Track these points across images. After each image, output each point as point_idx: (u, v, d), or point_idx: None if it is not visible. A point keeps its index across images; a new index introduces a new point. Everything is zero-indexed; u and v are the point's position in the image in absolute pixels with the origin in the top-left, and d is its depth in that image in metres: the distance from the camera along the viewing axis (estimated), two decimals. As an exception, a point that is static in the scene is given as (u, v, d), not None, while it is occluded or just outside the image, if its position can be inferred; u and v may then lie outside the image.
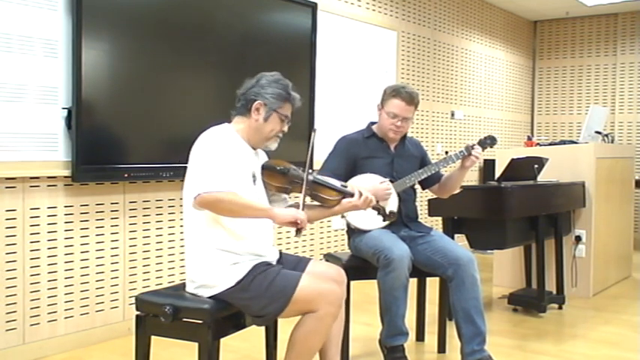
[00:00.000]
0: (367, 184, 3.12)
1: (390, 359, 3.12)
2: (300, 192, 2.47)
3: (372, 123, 3.34)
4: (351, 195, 2.57)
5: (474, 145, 3.19)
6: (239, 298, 2.37)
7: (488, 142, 3.26)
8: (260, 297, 2.35)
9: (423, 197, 4.90)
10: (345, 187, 2.62)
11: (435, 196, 3.57)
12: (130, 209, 3.75)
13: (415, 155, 3.36)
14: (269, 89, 2.50)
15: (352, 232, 3.24)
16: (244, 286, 2.36)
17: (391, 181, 3.19)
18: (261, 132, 2.52)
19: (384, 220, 2.74)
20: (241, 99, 2.53)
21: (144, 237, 3.83)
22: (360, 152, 3.22)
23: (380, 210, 2.69)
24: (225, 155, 2.38)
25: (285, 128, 2.57)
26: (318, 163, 3.34)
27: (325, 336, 2.44)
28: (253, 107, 2.49)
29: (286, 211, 2.40)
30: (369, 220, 2.94)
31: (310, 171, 2.52)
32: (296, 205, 2.50)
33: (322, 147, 4.65)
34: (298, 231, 2.39)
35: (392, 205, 3.16)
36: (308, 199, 2.54)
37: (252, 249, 2.44)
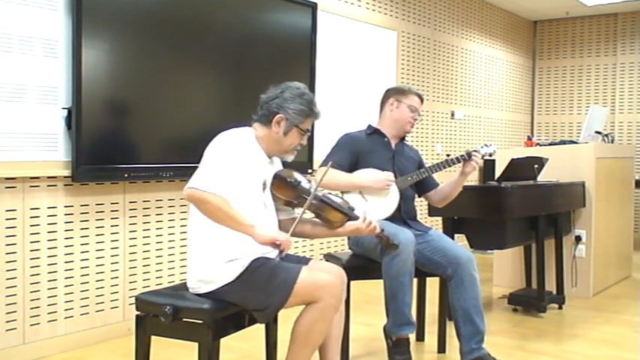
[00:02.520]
0: (369, 175, 3.17)
1: (394, 353, 3.06)
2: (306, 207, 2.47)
3: (370, 126, 3.41)
4: (356, 219, 2.57)
5: (476, 150, 3.21)
6: (239, 292, 2.37)
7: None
8: (261, 291, 2.35)
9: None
10: (353, 209, 2.60)
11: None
12: (130, 209, 3.75)
13: (414, 157, 3.42)
14: (292, 104, 2.49)
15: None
16: (244, 280, 2.37)
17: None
18: (280, 144, 2.53)
19: (385, 250, 2.77)
20: (264, 107, 2.53)
21: (144, 237, 3.83)
22: (363, 147, 3.27)
23: (382, 239, 2.66)
24: (236, 159, 2.38)
25: (305, 141, 2.58)
26: (318, 163, 3.35)
27: (327, 327, 2.43)
28: (274, 120, 2.49)
29: (267, 232, 2.34)
30: (371, 213, 2.93)
31: (320, 189, 2.52)
32: (292, 220, 2.51)
33: (322, 147, 4.65)
34: (280, 252, 2.36)
35: (392, 196, 3.17)
36: (312, 215, 2.55)
37: (252, 248, 2.43)
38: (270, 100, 2.51)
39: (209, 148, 2.41)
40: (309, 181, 2.56)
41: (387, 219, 3.13)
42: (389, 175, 3.17)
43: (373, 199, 3.16)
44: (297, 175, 2.55)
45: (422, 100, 3.37)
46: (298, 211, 2.62)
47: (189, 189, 2.29)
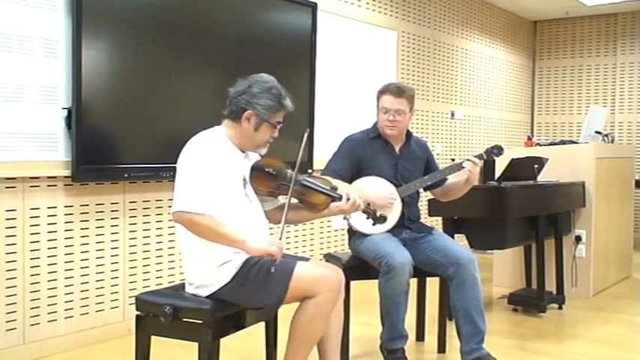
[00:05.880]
0: (372, 188, 3.12)
1: (391, 359, 3.14)
2: (288, 195, 2.43)
3: None
4: (340, 199, 2.55)
5: (481, 154, 3.16)
6: (237, 293, 2.38)
7: (495, 151, 3.22)
8: (258, 289, 2.36)
9: (422, 197, 4.89)
10: (335, 189, 2.59)
11: (434, 197, 3.57)
12: (130, 209, 3.75)
13: (420, 157, 3.34)
14: (261, 100, 2.45)
15: (353, 232, 3.23)
16: (240, 280, 2.37)
17: (395, 185, 3.17)
18: (252, 140, 2.51)
19: (373, 224, 2.71)
20: (232, 103, 2.49)
21: (144, 237, 3.83)
22: (365, 153, 3.20)
23: (369, 214, 2.65)
24: (211, 167, 2.35)
25: (276, 134, 2.55)
26: (318, 163, 3.33)
27: (325, 322, 2.43)
28: (244, 116, 2.46)
29: (259, 245, 2.31)
30: (372, 224, 2.93)
31: (307, 171, 2.49)
32: (283, 206, 2.47)
33: (322, 147, 4.66)
34: (274, 261, 2.32)
35: (395, 211, 3.14)
36: (295, 201, 2.53)
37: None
38: (238, 96, 2.47)
39: (182, 160, 2.39)
40: (288, 167, 2.52)
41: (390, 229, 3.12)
42: (393, 194, 3.12)
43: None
44: (276, 164, 2.52)
45: (397, 94, 3.12)
46: (281, 198, 2.61)
47: (177, 213, 2.30)
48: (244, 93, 2.47)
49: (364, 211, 2.65)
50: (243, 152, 2.55)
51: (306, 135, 2.51)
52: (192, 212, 2.27)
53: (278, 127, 2.53)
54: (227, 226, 2.32)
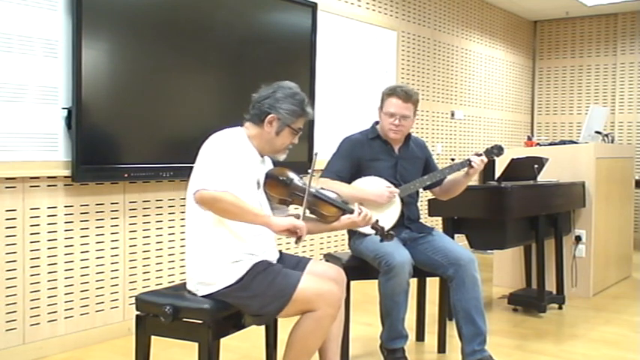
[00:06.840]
0: (372, 186, 3.13)
1: (391, 359, 3.14)
2: (300, 204, 2.47)
3: (377, 122, 3.30)
4: (351, 212, 2.57)
5: (480, 154, 3.16)
6: (239, 296, 2.38)
7: (495, 151, 3.23)
8: (260, 296, 2.36)
9: (422, 197, 4.89)
10: (346, 203, 2.62)
11: (434, 196, 3.58)
12: (130, 209, 3.75)
13: (419, 157, 3.34)
14: (284, 104, 2.49)
15: (353, 232, 3.23)
16: (245, 284, 2.37)
17: (395, 185, 3.17)
18: (272, 144, 2.53)
19: (381, 241, 2.72)
20: (255, 107, 2.53)
21: (144, 237, 3.83)
22: (364, 154, 3.20)
23: (378, 230, 2.66)
24: (232, 157, 2.39)
25: (296, 140, 2.58)
26: (318, 164, 3.32)
27: (323, 336, 2.44)
28: (266, 120, 2.49)
29: (284, 220, 2.39)
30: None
31: (312, 185, 2.52)
32: (296, 216, 2.50)
33: (322, 147, 4.65)
34: (298, 239, 2.39)
35: (394, 212, 3.14)
36: (307, 212, 2.55)
37: (253, 249, 2.44)
38: (262, 100, 2.51)
39: (205, 150, 2.42)
40: (301, 178, 2.57)
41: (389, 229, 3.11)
42: (392, 190, 3.12)
43: (375, 210, 3.05)
44: (289, 173, 2.56)
45: (405, 99, 3.12)
46: (292, 208, 2.62)
47: (199, 192, 2.30)
48: (268, 97, 2.51)
49: (373, 227, 2.66)
50: (262, 157, 2.57)
51: (314, 159, 2.61)
52: (215, 189, 2.28)
53: (298, 133, 2.56)
54: (250, 204, 2.35)
